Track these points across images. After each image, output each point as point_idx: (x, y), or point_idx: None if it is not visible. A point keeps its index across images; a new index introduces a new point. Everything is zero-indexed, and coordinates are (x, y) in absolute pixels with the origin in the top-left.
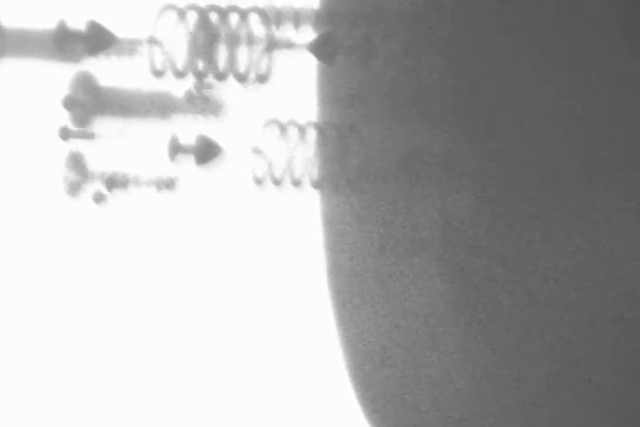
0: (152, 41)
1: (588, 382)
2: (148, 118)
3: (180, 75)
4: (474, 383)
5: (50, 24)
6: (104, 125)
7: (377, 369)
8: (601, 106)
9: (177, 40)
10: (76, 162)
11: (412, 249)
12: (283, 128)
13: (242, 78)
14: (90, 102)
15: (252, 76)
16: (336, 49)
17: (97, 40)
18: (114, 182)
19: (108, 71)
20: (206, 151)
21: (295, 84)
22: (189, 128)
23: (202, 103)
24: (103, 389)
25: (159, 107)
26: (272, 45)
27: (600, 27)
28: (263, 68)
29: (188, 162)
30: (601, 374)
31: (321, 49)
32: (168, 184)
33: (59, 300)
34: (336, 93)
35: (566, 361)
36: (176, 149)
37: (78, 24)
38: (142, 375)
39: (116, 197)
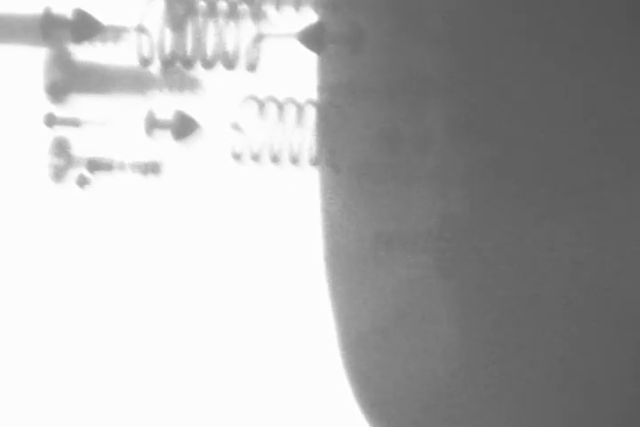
0: (140, 29)
1: (583, 377)
2: (125, 94)
3: (167, 63)
4: (470, 379)
5: (36, 10)
6: (80, 103)
7: (374, 366)
8: (594, 102)
9: (164, 29)
10: (61, 148)
11: (405, 242)
12: (261, 105)
13: (230, 66)
14: (65, 79)
15: (241, 63)
16: (325, 39)
17: (83, 28)
18: (96, 165)
19: (83, 49)
20: (184, 127)
21: (281, 66)
22: (167, 104)
23: (178, 78)
24: (85, 367)
25: (136, 82)
26: (261, 34)
27: (600, 24)
28: (252, 57)
29: (166, 138)
30: (596, 369)
31: (310, 38)
32: (152, 167)
33: (45, 286)
34: (326, 80)
35: (564, 357)
36: (153, 124)
37: (64, 11)
38: (125, 361)
39: (100, 180)
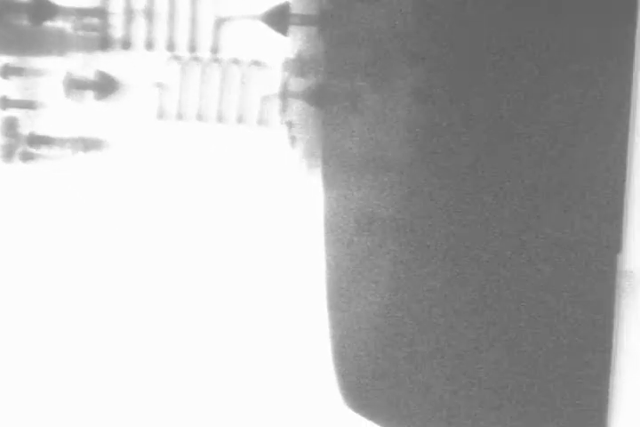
0: (102, 12)
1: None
2: (45, 55)
3: (128, 46)
4: (459, 367)
5: None
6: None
7: (360, 352)
8: (564, 79)
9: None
10: (10, 127)
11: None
12: (185, 64)
13: (193, 49)
14: None
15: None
16: (290, 20)
17: (39, 11)
18: (37, 139)
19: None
20: (105, 87)
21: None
22: (87, 64)
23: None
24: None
25: (54, 43)
26: (223, 17)
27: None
28: (215, 40)
29: (87, 98)
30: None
31: (275, 20)
32: (92, 141)
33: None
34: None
35: (547, 339)
36: (71, 85)
37: None
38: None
39: (43, 155)
